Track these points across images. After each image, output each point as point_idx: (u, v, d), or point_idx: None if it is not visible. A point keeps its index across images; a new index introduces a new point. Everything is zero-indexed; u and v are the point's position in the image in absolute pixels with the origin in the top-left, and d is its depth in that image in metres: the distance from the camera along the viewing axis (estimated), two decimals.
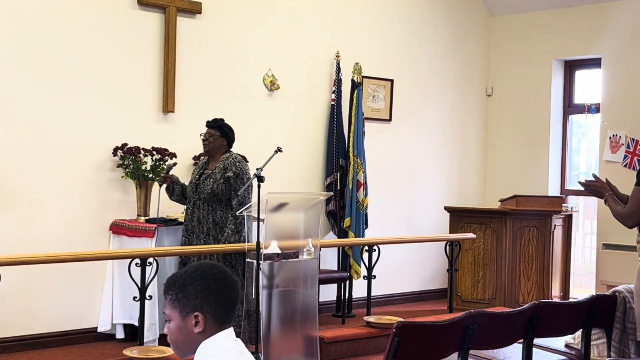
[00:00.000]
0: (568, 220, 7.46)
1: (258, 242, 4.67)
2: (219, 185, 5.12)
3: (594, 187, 4.31)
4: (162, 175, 5.33)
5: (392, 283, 7.63)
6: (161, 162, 5.72)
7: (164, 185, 5.40)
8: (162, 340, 5.18)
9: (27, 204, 5.45)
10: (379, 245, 6.22)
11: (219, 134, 5.28)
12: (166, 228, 5.51)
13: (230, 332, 2.11)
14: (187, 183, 5.41)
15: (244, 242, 5.00)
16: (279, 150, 5.08)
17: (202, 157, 5.57)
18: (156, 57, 6.03)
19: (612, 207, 4.17)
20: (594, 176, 4.39)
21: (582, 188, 4.43)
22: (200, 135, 5.33)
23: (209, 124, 5.33)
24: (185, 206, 5.40)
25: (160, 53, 6.04)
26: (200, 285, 2.08)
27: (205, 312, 2.07)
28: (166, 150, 5.82)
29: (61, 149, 5.60)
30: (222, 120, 5.35)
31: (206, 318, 2.07)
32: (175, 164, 5.61)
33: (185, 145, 6.03)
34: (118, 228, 5.65)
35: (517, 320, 3.80)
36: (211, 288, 2.08)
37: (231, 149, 5.37)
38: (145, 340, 4.93)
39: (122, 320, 5.56)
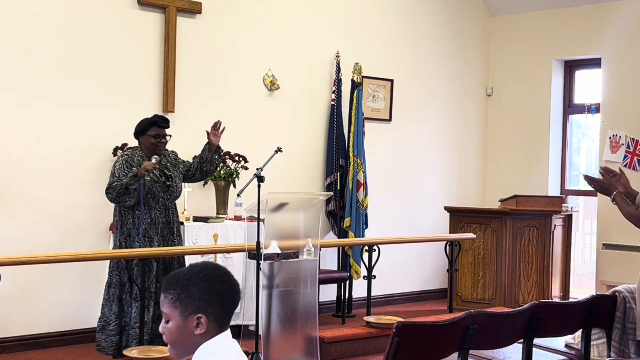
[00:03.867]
0: (568, 220, 7.46)
1: (258, 242, 4.67)
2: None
3: (601, 184, 4.19)
4: (153, 164, 4.79)
5: (392, 283, 7.63)
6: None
7: (131, 178, 4.75)
8: None
9: (27, 204, 5.46)
10: (379, 245, 6.21)
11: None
12: None
13: (228, 333, 2.09)
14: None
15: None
16: (279, 150, 5.08)
17: (122, 155, 5.00)
18: (156, 57, 6.03)
19: (621, 207, 4.02)
20: (606, 169, 4.18)
21: (587, 184, 4.21)
22: (157, 137, 4.95)
23: (165, 125, 4.98)
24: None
25: (160, 53, 6.04)
26: (205, 286, 2.02)
27: (208, 314, 2.02)
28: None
29: (61, 149, 5.60)
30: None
31: (208, 320, 2.02)
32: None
33: (186, 145, 6.02)
34: None
35: (517, 320, 3.80)
36: (216, 290, 2.03)
37: None
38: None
39: None
